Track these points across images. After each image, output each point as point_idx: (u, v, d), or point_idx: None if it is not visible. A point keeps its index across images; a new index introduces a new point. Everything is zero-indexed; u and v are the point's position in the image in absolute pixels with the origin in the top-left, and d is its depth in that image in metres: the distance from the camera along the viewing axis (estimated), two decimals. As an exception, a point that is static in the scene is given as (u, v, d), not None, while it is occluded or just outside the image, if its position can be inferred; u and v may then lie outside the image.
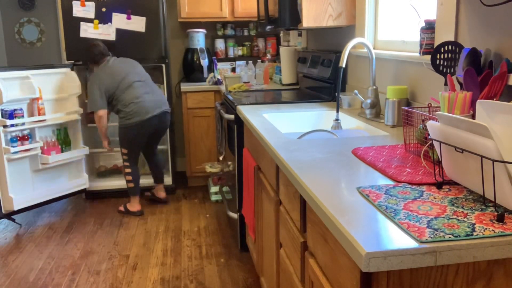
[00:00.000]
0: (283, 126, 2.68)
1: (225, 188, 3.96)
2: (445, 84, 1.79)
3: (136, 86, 3.85)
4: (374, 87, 2.42)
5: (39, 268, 3.18)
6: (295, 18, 2.90)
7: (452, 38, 1.85)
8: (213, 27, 5.06)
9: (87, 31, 4.19)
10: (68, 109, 4.17)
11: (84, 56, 4.14)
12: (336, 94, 2.48)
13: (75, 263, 3.23)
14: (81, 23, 4.18)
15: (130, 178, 4.00)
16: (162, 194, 4.29)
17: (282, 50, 4.10)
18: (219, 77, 4.54)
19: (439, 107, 1.59)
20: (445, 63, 1.77)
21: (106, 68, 3.87)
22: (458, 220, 1.08)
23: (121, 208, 4.12)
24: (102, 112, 3.86)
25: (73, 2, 4.15)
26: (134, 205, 4.05)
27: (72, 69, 4.17)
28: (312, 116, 2.73)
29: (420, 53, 2.05)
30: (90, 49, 3.92)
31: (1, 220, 3.96)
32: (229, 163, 3.54)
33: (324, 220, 1.19)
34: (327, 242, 1.27)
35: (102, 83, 3.81)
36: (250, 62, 4.70)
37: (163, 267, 3.16)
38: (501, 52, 1.59)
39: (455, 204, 1.17)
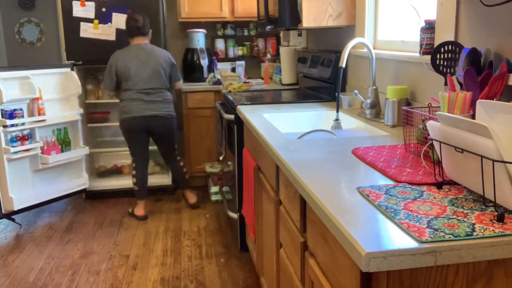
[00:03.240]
0: (283, 126, 2.68)
1: (225, 188, 3.96)
2: (445, 84, 1.79)
3: (138, 92, 3.76)
4: (374, 87, 2.42)
5: (39, 268, 3.18)
6: (295, 18, 2.89)
7: (452, 38, 1.85)
8: (213, 27, 5.06)
9: (87, 31, 4.19)
10: (68, 109, 4.17)
11: (83, 55, 4.17)
12: (336, 94, 2.48)
13: (75, 263, 3.23)
14: (81, 23, 4.18)
15: (134, 180, 3.95)
16: (190, 199, 4.18)
17: (282, 50, 4.10)
18: (219, 77, 4.54)
19: (439, 107, 1.59)
20: (445, 63, 1.77)
21: (126, 53, 3.79)
22: (458, 220, 1.08)
23: (130, 209, 4.09)
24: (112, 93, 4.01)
25: (73, 2, 4.15)
26: (139, 209, 3.97)
27: (72, 69, 4.16)
28: (312, 116, 2.73)
29: (420, 53, 2.05)
30: (127, 20, 3.86)
31: (1, 220, 3.96)
32: (229, 163, 3.54)
33: (324, 220, 1.19)
34: (327, 242, 1.27)
35: (116, 65, 3.77)
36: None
37: (163, 267, 3.16)
38: (501, 52, 1.59)
39: (455, 204, 1.17)
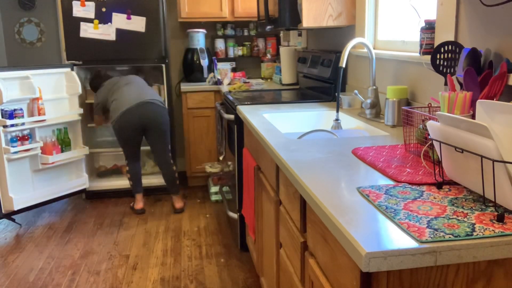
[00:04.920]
0: (283, 126, 2.68)
1: (225, 188, 3.96)
2: (445, 84, 1.79)
3: (120, 87, 3.93)
4: (374, 87, 2.42)
5: (39, 268, 3.18)
6: (295, 18, 2.90)
7: (452, 38, 1.85)
8: (213, 27, 5.06)
9: (87, 31, 4.19)
10: (68, 109, 4.17)
11: (83, 55, 4.21)
12: (336, 94, 2.48)
13: (75, 263, 3.23)
14: (81, 23, 4.18)
15: (128, 175, 4.08)
16: (176, 204, 4.13)
17: (282, 50, 4.10)
18: (219, 77, 4.54)
19: (439, 107, 1.59)
20: (445, 63, 1.77)
21: (108, 85, 4.07)
22: (458, 220, 1.08)
23: (131, 204, 4.22)
24: (96, 117, 4.22)
25: (73, 2, 4.15)
26: (137, 203, 4.10)
27: (72, 69, 4.16)
28: (312, 116, 2.73)
29: (420, 53, 2.05)
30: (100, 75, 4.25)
31: (1, 220, 3.96)
32: (229, 163, 3.55)
33: (324, 220, 1.19)
34: (327, 242, 1.27)
35: (100, 96, 4.07)
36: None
37: (163, 267, 3.16)
38: (501, 52, 1.59)
39: (455, 204, 1.17)
